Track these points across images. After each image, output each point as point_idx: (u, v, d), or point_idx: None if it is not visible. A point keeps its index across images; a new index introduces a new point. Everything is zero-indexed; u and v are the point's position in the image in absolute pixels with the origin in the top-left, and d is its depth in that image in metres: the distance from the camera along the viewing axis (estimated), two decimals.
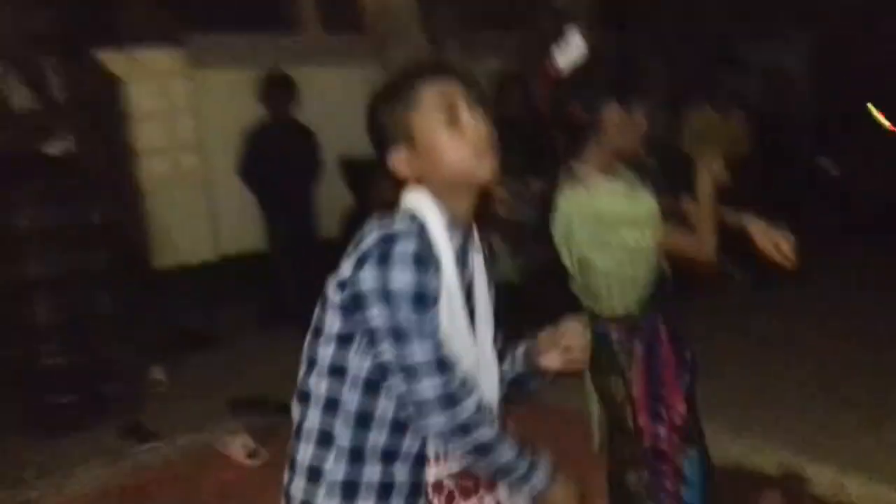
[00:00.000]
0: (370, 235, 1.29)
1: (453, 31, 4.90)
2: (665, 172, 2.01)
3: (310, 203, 4.36)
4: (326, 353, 1.33)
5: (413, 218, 1.33)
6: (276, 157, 4.14)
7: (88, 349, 3.18)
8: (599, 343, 1.82)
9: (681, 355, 1.96)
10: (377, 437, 1.33)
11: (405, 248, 1.26)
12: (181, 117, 4.22)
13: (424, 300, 1.27)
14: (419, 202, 1.36)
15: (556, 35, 4.56)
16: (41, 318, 3.20)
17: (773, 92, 5.36)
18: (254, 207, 4.23)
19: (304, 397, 1.36)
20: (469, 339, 1.38)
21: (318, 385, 1.34)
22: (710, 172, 1.86)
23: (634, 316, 1.90)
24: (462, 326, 1.36)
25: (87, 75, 3.79)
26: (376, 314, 1.26)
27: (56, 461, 3.08)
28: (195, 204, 4.27)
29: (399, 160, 1.36)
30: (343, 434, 1.33)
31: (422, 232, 1.31)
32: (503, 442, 1.33)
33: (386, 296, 1.25)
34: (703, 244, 1.86)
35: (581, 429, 2.19)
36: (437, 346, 1.28)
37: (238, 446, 3.11)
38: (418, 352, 1.27)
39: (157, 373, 3.70)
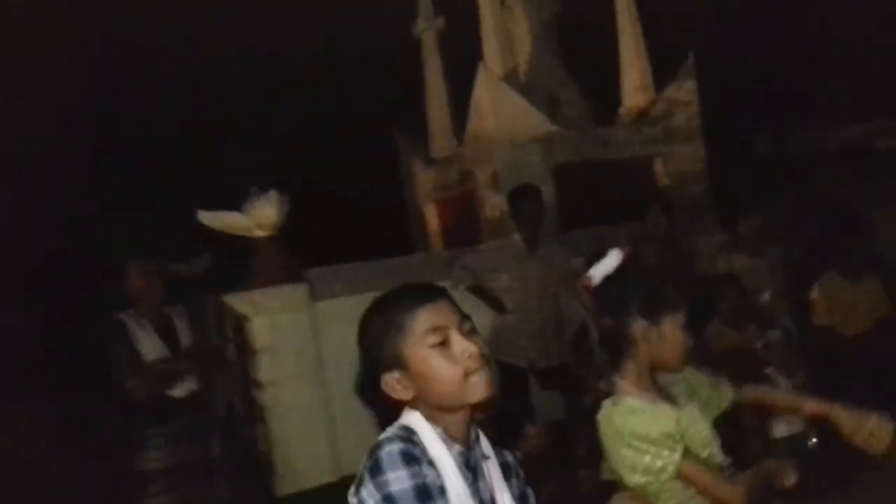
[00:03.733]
0: (362, 457, 1.33)
1: (553, 231, 5.06)
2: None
3: None
4: None
5: (401, 428, 1.36)
6: None
7: None
8: None
9: None
10: None
11: (391, 449, 1.30)
12: (301, 347, 4.46)
13: (426, 491, 1.27)
14: (410, 418, 1.39)
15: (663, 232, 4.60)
16: None
17: None
18: (370, 424, 4.32)
19: None
20: None
21: None
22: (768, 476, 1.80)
23: None
24: None
25: (212, 318, 4.19)
26: None
27: None
28: (316, 428, 4.40)
29: (392, 384, 1.39)
30: None
31: (409, 435, 1.33)
32: None
33: (389, 502, 1.25)
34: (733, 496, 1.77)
35: None
36: None
37: None
38: None
39: None
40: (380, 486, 1.27)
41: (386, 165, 7.20)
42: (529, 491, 1.53)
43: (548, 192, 5.44)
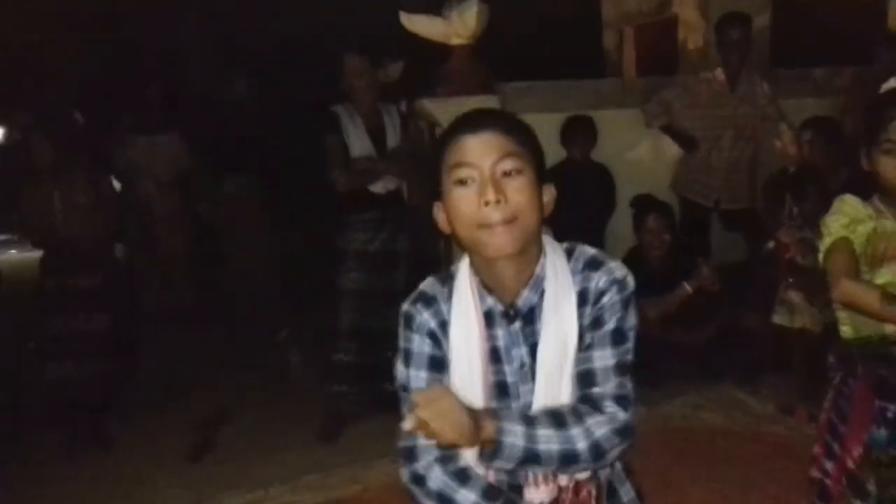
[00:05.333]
0: None
1: (762, 68, 4.73)
2: None
3: (602, 239, 4.46)
4: None
5: (444, 279, 1.41)
6: (574, 194, 4.32)
7: (377, 353, 3.58)
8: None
9: (881, 406, 1.80)
10: None
11: (404, 308, 1.40)
12: None
13: (409, 354, 1.36)
14: (461, 261, 1.38)
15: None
16: (346, 322, 3.76)
17: None
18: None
19: None
20: (482, 397, 1.31)
21: None
22: None
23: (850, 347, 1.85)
24: (477, 385, 1.32)
25: (414, 122, 4.34)
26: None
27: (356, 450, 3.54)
28: None
29: (438, 212, 1.34)
30: None
31: (427, 292, 1.40)
32: (458, 490, 1.31)
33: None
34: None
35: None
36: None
37: None
38: (402, 404, 1.36)
39: None
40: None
41: None
42: (609, 316, 1.31)
43: (762, 23, 5.03)
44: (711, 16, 4.91)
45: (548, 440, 1.21)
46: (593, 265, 1.36)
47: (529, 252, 1.31)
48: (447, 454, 1.30)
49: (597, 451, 1.23)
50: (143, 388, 4.26)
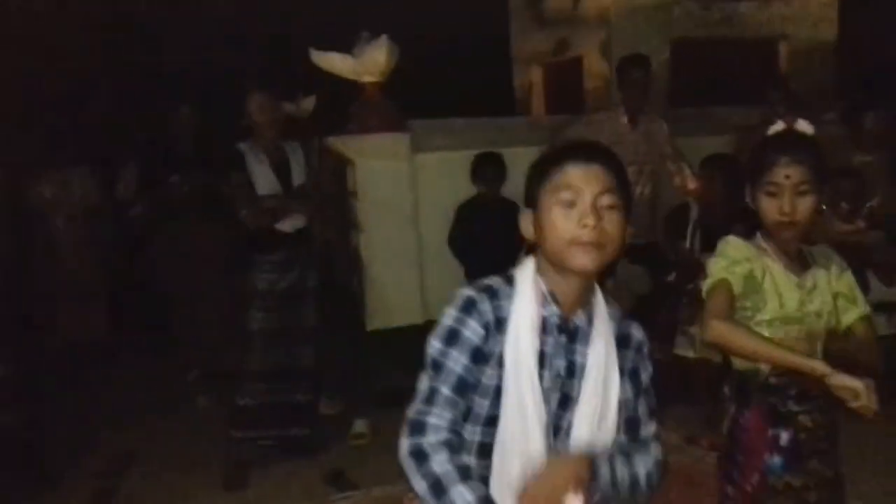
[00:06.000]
0: None
1: (661, 107, 4.93)
2: None
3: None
4: None
5: (506, 277, 1.49)
6: (486, 230, 4.38)
7: (286, 394, 3.53)
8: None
9: (773, 434, 1.88)
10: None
11: (465, 292, 1.45)
12: (400, 195, 4.58)
13: (456, 337, 1.42)
14: (522, 268, 1.50)
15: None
16: (253, 364, 3.67)
17: None
18: (460, 276, 4.49)
19: None
20: (535, 406, 1.42)
21: None
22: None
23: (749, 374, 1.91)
24: (528, 392, 1.41)
25: (323, 159, 4.33)
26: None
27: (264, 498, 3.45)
28: (408, 273, 4.60)
29: (526, 221, 1.51)
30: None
31: (494, 288, 1.47)
32: (459, 484, 1.34)
33: (435, 328, 1.46)
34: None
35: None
36: (441, 381, 1.41)
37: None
38: (424, 378, 1.43)
39: (360, 426, 3.93)
40: (441, 315, 1.46)
41: (498, 23, 7.04)
42: (644, 367, 1.57)
43: (662, 66, 5.27)
44: (613, 56, 5.10)
45: (622, 473, 1.44)
46: (624, 316, 1.58)
47: (593, 279, 1.49)
48: (458, 441, 1.40)
49: (650, 481, 1.49)
50: (54, 429, 4.10)
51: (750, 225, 1.97)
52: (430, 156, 4.68)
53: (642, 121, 4.55)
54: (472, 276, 4.60)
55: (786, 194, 1.81)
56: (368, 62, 4.61)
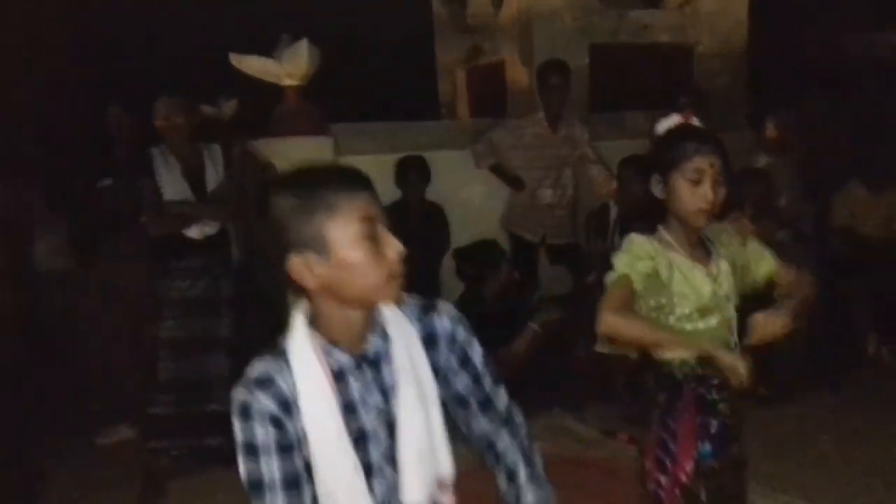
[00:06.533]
0: None
1: (580, 112, 5.05)
2: None
3: (436, 278, 4.56)
4: None
5: (276, 354, 1.32)
6: (410, 233, 4.40)
7: (198, 404, 3.48)
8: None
9: (703, 421, 1.95)
10: None
11: (239, 397, 1.29)
12: None
13: (252, 447, 1.27)
14: (295, 326, 1.33)
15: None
16: (163, 373, 3.61)
17: None
18: None
19: None
20: (346, 456, 1.31)
21: None
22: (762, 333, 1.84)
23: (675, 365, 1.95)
24: (336, 448, 1.30)
25: (245, 163, 4.27)
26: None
27: None
28: None
29: (303, 266, 1.26)
30: None
31: (263, 376, 1.29)
32: None
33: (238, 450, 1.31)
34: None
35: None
36: (275, 496, 1.27)
37: None
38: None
39: None
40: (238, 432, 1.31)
41: (422, 27, 7.07)
42: (469, 351, 1.46)
43: (581, 72, 5.38)
44: (534, 62, 5.19)
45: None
46: (426, 310, 1.44)
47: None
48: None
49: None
50: None
51: (650, 219, 2.01)
52: (354, 159, 4.63)
53: (562, 125, 4.65)
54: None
55: (709, 182, 1.86)
56: (289, 66, 4.58)
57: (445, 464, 1.42)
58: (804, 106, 5.39)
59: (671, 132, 1.98)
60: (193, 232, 3.63)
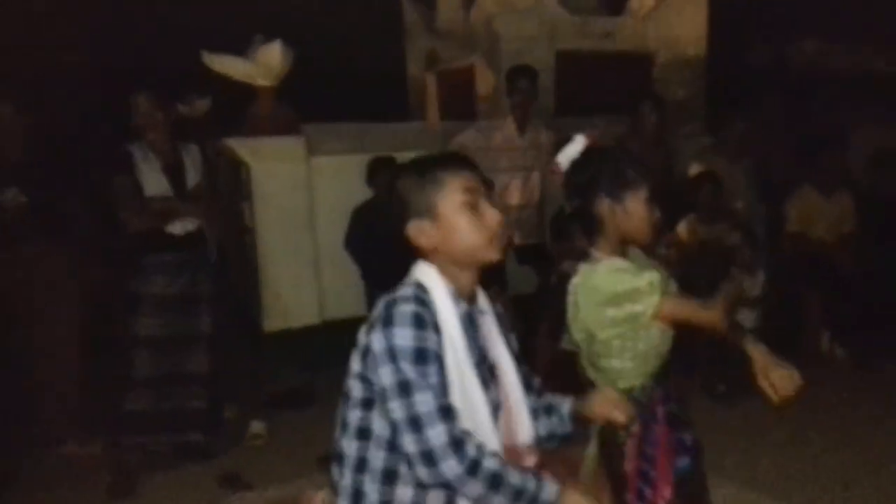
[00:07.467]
0: (379, 304, 1.49)
1: (546, 116, 5.19)
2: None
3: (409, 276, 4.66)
4: (354, 416, 1.49)
5: (417, 286, 1.51)
6: (382, 233, 4.48)
7: (178, 400, 3.52)
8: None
9: (678, 438, 1.98)
10: (404, 493, 1.47)
11: (405, 309, 1.44)
12: (295, 198, 4.63)
13: (425, 354, 1.41)
14: (426, 274, 1.54)
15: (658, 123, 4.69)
16: (141, 370, 3.61)
17: (881, 171, 5.23)
18: (357, 277, 4.58)
19: (339, 458, 1.53)
20: (480, 393, 1.50)
21: (349, 446, 1.50)
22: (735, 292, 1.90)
23: (636, 392, 1.94)
24: (473, 384, 1.49)
25: (217, 161, 4.32)
26: (384, 373, 1.41)
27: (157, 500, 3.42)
28: (305, 274, 4.66)
29: (419, 230, 1.55)
30: (372, 490, 1.47)
31: (422, 297, 1.48)
32: (509, 469, 1.43)
33: (391, 353, 1.41)
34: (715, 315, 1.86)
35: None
36: (440, 396, 1.40)
37: (319, 500, 3.32)
38: (422, 401, 1.39)
39: (257, 427, 3.96)
40: (388, 337, 1.43)
41: (393, 29, 7.16)
42: (511, 330, 1.73)
43: (548, 77, 5.52)
44: (503, 66, 5.32)
45: None
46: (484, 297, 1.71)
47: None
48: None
49: None
50: None
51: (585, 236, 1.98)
52: (326, 159, 4.75)
53: (530, 129, 4.77)
54: (368, 277, 4.71)
55: (654, 204, 1.90)
56: (262, 66, 4.65)
57: (527, 423, 1.64)
58: (758, 112, 5.61)
59: (619, 155, 2.00)
60: (176, 228, 3.65)
